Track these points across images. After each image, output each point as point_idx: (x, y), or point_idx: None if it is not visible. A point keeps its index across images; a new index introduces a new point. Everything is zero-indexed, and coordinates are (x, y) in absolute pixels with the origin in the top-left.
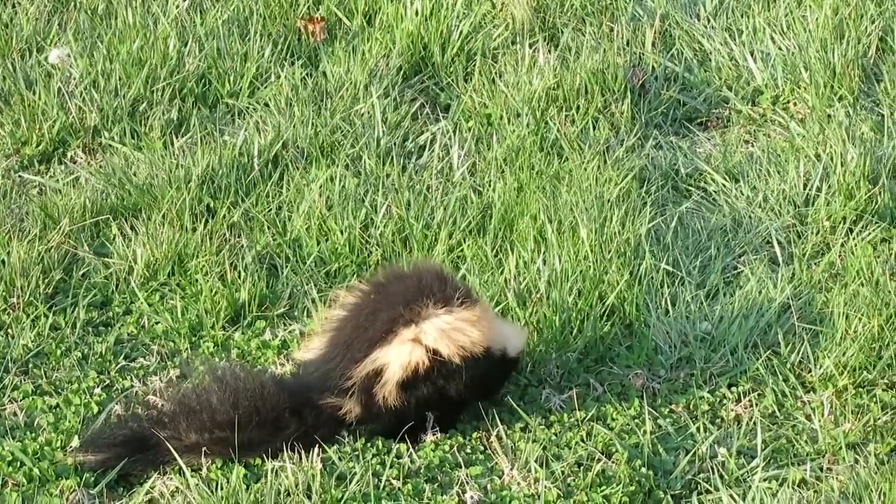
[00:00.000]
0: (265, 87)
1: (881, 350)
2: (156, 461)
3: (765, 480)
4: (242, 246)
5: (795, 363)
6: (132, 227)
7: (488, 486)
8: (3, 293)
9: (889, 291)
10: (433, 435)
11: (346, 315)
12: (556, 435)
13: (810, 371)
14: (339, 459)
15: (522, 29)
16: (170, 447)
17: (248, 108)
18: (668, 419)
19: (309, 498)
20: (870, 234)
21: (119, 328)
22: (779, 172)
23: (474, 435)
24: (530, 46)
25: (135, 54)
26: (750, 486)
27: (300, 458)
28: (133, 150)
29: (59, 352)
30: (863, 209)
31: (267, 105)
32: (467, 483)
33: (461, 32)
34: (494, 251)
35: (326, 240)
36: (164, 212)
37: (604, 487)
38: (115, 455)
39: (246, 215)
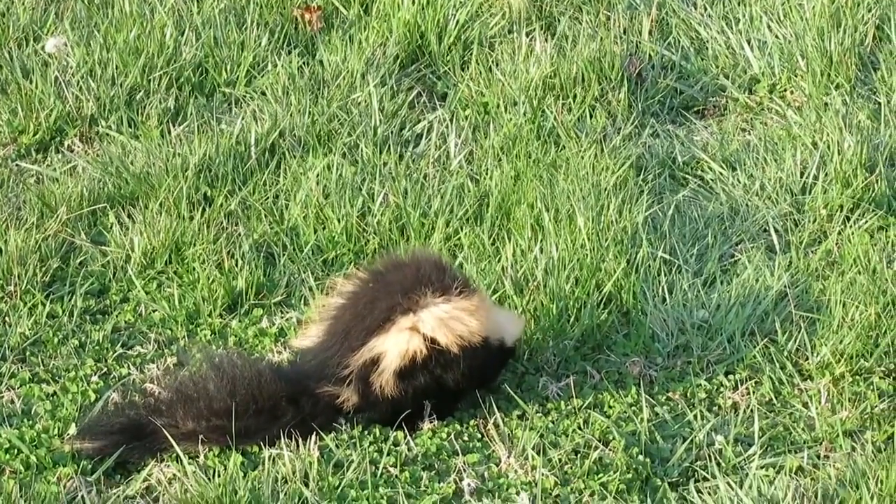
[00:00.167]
0: (262, 76)
1: (878, 338)
2: (153, 449)
3: (762, 468)
4: (239, 234)
5: (792, 351)
6: (129, 216)
7: (485, 474)
8: (1, 281)
9: (886, 279)
10: (430, 423)
11: (344, 303)
12: (553, 422)
13: (807, 359)
14: (337, 447)
15: (519, 17)
16: (167, 435)
17: (244, 96)
18: (665, 407)
19: (306, 485)
20: (867, 222)
21: (116, 316)
22: (776, 160)
23: (471, 423)
24: (527, 35)
25: (131, 43)
26: (747, 474)
27: (297, 446)
28: (130, 139)
29: (56, 340)
30: (860, 197)
31: (264, 94)
32: (464, 470)
33: (458, 21)
34: (491, 239)
35: (323, 228)
36: (162, 200)
37: (601, 475)
38: (113, 443)
39: (243, 204)
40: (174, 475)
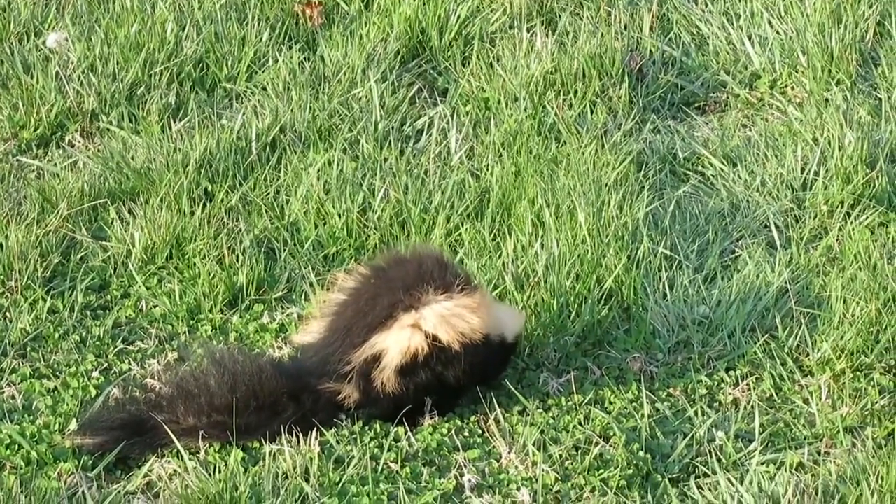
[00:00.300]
0: (263, 72)
1: (879, 334)
2: (154, 444)
3: (762, 464)
4: (240, 230)
5: (793, 347)
6: (130, 211)
7: (486, 470)
8: (2, 277)
9: (886, 275)
10: (431, 419)
11: (346, 299)
12: (553, 418)
13: (808, 355)
14: (337, 443)
15: (520, 13)
16: (168, 430)
17: (245, 92)
18: (665, 403)
19: (307, 481)
20: (867, 218)
21: (117, 312)
22: (776, 156)
23: (472, 418)
24: (528, 31)
25: (133, 38)
26: (747, 470)
27: (298, 442)
28: (131, 134)
29: (57, 335)
30: (860, 193)
31: (265, 89)
32: (465, 466)
33: (459, 17)
34: (492, 235)
35: (324, 223)
36: (162, 196)
37: (601, 471)
38: (113, 438)
39: (244, 199)
40: (175, 471)
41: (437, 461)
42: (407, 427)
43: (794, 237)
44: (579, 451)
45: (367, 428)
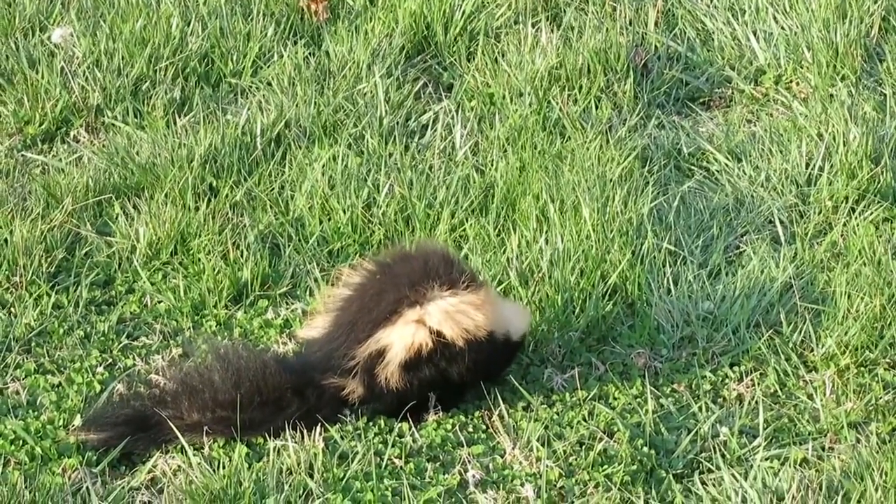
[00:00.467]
0: (268, 67)
1: (883, 329)
2: (158, 440)
3: (766, 460)
4: (245, 225)
5: (797, 342)
6: (135, 207)
7: (490, 465)
8: (6, 272)
9: (891, 271)
10: (435, 414)
11: (351, 295)
12: (557, 414)
13: (812, 350)
14: (342, 438)
15: (525, 8)
16: (172, 426)
17: (250, 87)
18: (670, 398)
19: (311, 477)
20: (872, 213)
21: (122, 307)
22: (781, 152)
23: (476, 414)
24: (533, 26)
25: (138, 33)
26: (752, 466)
27: (302, 437)
28: (136, 130)
29: (61, 330)
30: (865, 188)
31: (270, 84)
32: (469, 462)
33: (464, 12)
34: (497, 230)
35: (329, 219)
36: (167, 191)
37: (605, 466)
38: (118, 434)
39: (248, 194)
40: (179, 466)
41: (441, 457)
42: (411, 423)
43: (798, 232)
44: (583, 447)
45: (371, 424)
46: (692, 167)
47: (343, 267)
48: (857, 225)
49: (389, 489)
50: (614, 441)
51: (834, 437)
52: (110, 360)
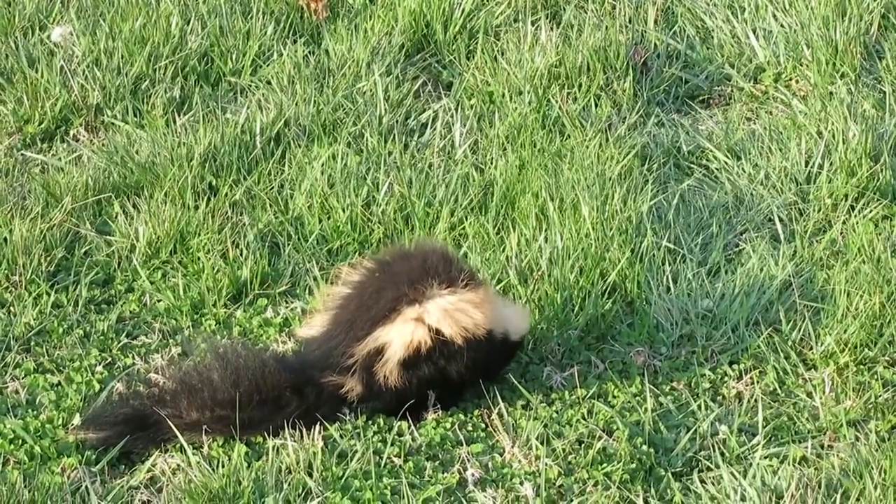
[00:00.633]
0: (267, 65)
1: (882, 327)
2: (157, 439)
3: (766, 458)
4: (244, 224)
5: (797, 340)
6: (134, 206)
7: (489, 464)
8: (6, 271)
9: (890, 269)
10: (434, 412)
11: (350, 293)
12: (557, 412)
13: (811, 348)
14: (341, 437)
15: (525, 6)
16: (171, 425)
17: (250, 85)
18: (669, 397)
19: (310, 475)
20: (871, 211)
21: (121, 306)
22: (780, 150)
23: (475, 412)
24: (532, 24)
25: (137, 32)
26: (751, 464)
27: (301, 436)
28: (135, 129)
29: (60, 330)
30: (864, 186)
31: (269, 83)
32: (468, 460)
33: (463, 10)
34: (496, 229)
35: (328, 218)
36: (167, 190)
37: (605, 465)
38: (117, 433)
39: (248, 193)
40: (178, 465)
41: (440, 455)
42: (410, 421)
43: (797, 230)
44: (582, 446)
45: (370, 422)
46: (692, 165)
47: (342, 266)
48: (857, 223)
49: (388, 488)
50: (613, 439)
51: (833, 435)
52: (109, 359)
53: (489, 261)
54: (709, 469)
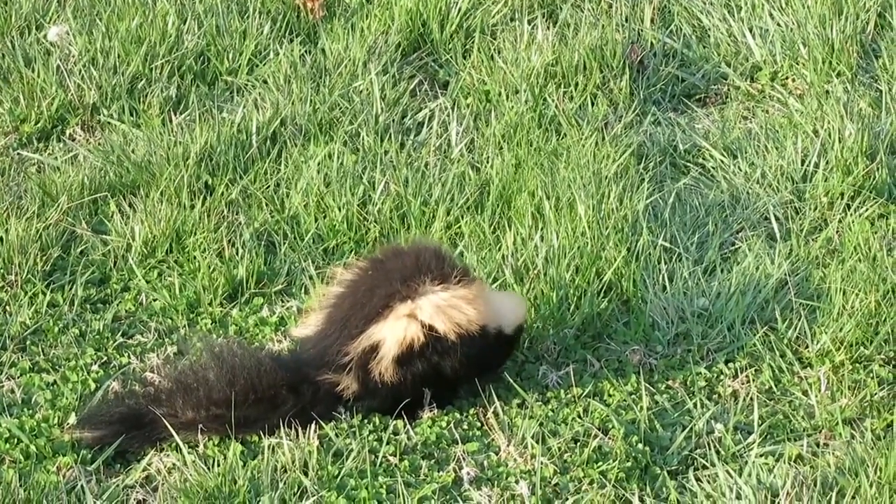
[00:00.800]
0: (264, 65)
1: (878, 325)
2: (153, 438)
3: (761, 456)
4: (240, 223)
5: (792, 339)
6: (130, 205)
7: (485, 463)
8: (2, 270)
9: (886, 267)
10: (430, 411)
11: (344, 292)
12: (552, 411)
13: (807, 347)
14: (336, 436)
15: (521, 5)
16: (167, 424)
17: (246, 85)
18: (664, 395)
19: (306, 474)
20: (867, 209)
21: (117, 305)
22: (777, 148)
23: (471, 411)
24: (529, 23)
25: (133, 32)
26: (746, 462)
27: (297, 435)
28: (132, 128)
29: (56, 329)
30: (860, 185)
31: (265, 82)
32: (464, 459)
33: (460, 9)
34: (492, 228)
35: (324, 217)
36: (163, 189)
37: (600, 463)
38: (113, 432)
39: (244, 192)
40: (174, 464)
41: (435, 454)
42: (406, 420)
43: (794, 229)
44: (578, 444)
45: (365, 421)
46: (688, 164)
47: (338, 265)
48: (853, 221)
49: (384, 487)
50: (609, 438)
51: (829, 433)
52: (105, 359)
53: (485, 260)
54: (704, 467)
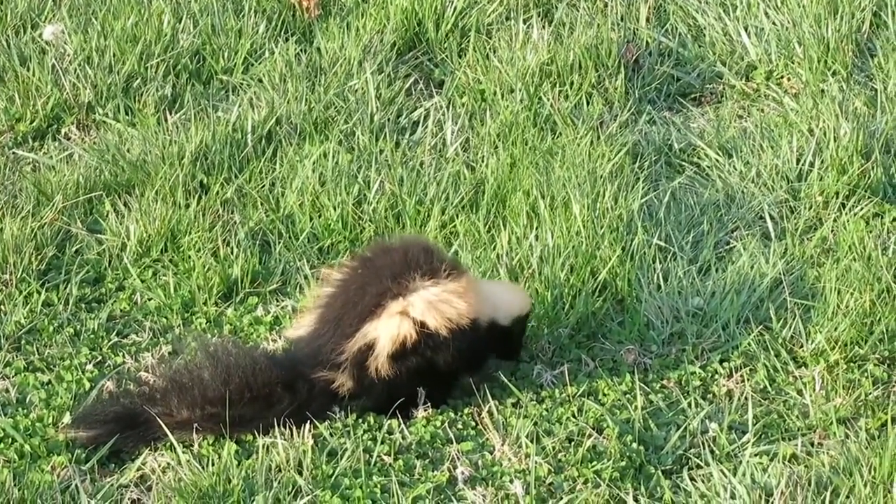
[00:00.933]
0: (259, 64)
1: (873, 325)
2: (147, 437)
3: (755, 455)
4: (235, 222)
5: (787, 338)
6: (125, 204)
7: (479, 462)
8: None
9: (881, 266)
10: (425, 411)
11: (335, 291)
12: (547, 410)
13: (802, 346)
14: (331, 435)
15: (517, 4)
16: (161, 423)
17: (242, 84)
18: (659, 394)
19: (300, 474)
20: (862, 208)
21: (112, 304)
22: (772, 147)
23: (466, 411)
24: (524, 22)
25: (129, 30)
26: (741, 462)
27: (291, 435)
28: (127, 127)
29: (51, 328)
30: (855, 184)
31: (261, 81)
32: (458, 459)
33: (455, 8)
34: (487, 227)
35: (319, 216)
36: (158, 188)
37: (594, 463)
38: (107, 431)
39: (239, 191)
40: (168, 464)
41: (430, 453)
42: (400, 419)
43: (788, 228)
44: (572, 443)
45: (360, 421)
46: (683, 163)
47: (330, 265)
48: (848, 220)
49: (378, 486)
50: (603, 437)
51: (823, 432)
52: (100, 358)
53: (480, 259)
54: (699, 467)
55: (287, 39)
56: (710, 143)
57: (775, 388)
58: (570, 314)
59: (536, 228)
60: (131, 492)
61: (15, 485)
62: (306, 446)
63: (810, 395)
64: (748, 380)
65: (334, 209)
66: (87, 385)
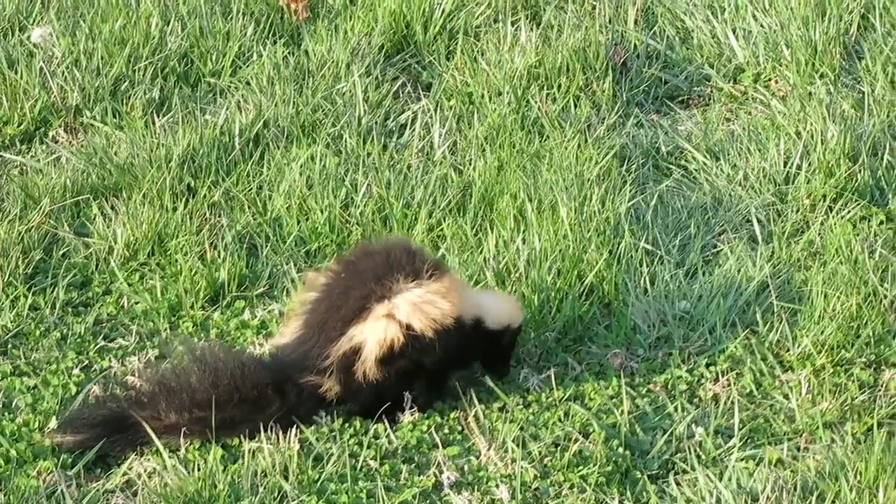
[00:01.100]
0: (247, 66)
1: (859, 329)
2: (134, 442)
3: (741, 460)
4: (222, 225)
5: (774, 342)
6: (112, 207)
7: (465, 467)
8: None
9: (868, 270)
10: (411, 415)
11: (319, 296)
12: (533, 415)
13: (788, 350)
14: (317, 440)
15: (504, 7)
16: (149, 428)
17: (229, 86)
18: (645, 399)
19: (286, 479)
20: (849, 212)
21: (98, 308)
22: (759, 150)
23: (452, 415)
24: (512, 24)
25: (117, 33)
26: (727, 466)
27: (277, 440)
28: (114, 130)
29: (38, 332)
30: (843, 187)
31: (248, 84)
32: (444, 463)
33: (443, 10)
34: (474, 230)
35: (307, 219)
36: (145, 191)
37: (581, 467)
38: (94, 436)
39: (226, 195)
40: (154, 469)
41: (416, 458)
42: (386, 424)
43: (776, 231)
44: (559, 448)
45: (346, 425)
46: (670, 166)
47: (313, 270)
48: (835, 223)
49: (364, 491)
50: (590, 442)
51: (809, 437)
52: (86, 362)
53: (467, 262)
54: (685, 471)
55: (275, 42)
56: (698, 146)
57: (762, 393)
58: (556, 318)
59: (523, 232)
60: (117, 497)
61: (0, 490)
62: (292, 451)
63: (796, 400)
64: (734, 384)
65: (321, 212)
66: (74, 389)
